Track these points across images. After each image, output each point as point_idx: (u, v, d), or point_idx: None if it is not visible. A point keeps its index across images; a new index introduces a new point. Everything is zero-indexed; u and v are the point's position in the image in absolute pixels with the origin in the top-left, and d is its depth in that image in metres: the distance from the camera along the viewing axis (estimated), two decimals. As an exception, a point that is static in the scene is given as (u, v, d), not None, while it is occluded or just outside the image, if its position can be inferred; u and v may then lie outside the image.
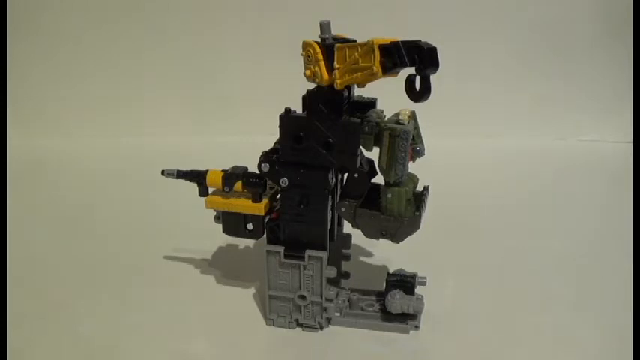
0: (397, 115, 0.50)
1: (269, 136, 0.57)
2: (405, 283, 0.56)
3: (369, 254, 0.70)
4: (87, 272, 0.68)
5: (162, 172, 0.60)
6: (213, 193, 0.58)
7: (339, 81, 0.47)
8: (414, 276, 0.57)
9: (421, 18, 1.11)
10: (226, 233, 0.58)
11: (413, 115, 0.50)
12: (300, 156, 0.51)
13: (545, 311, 0.60)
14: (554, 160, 1.08)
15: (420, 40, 0.43)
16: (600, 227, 0.80)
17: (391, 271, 0.58)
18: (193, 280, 0.67)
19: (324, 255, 0.54)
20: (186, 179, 0.59)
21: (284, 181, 0.52)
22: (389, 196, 0.50)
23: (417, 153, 0.52)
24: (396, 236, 0.52)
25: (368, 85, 0.50)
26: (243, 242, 0.73)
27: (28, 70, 1.16)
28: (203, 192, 0.58)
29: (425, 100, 0.44)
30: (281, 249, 0.55)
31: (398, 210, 0.50)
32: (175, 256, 0.71)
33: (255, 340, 0.56)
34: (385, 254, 0.68)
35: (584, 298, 0.62)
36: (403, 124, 0.48)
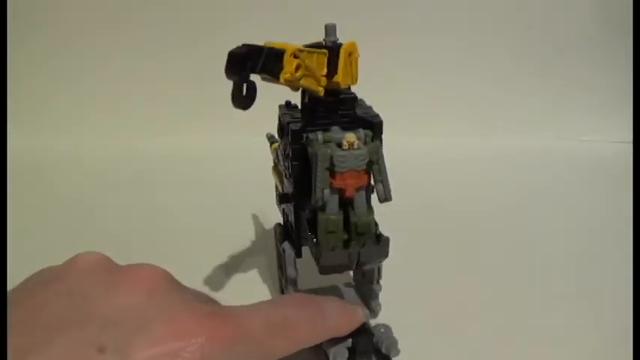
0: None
1: (270, 137, 0.57)
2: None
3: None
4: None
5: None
6: None
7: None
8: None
9: (421, 19, 1.12)
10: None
11: (365, 143, 0.45)
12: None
13: (545, 312, 0.60)
14: (554, 160, 1.08)
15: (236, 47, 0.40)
16: (600, 227, 0.80)
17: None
18: (195, 280, 0.67)
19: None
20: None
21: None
22: (318, 219, 0.46)
23: (376, 192, 0.46)
24: (318, 263, 0.47)
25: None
26: (247, 243, 0.74)
27: (29, 71, 1.16)
28: None
29: (238, 107, 0.41)
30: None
31: (319, 236, 0.46)
32: (177, 256, 0.71)
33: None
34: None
35: (584, 299, 0.62)
36: (341, 148, 0.44)
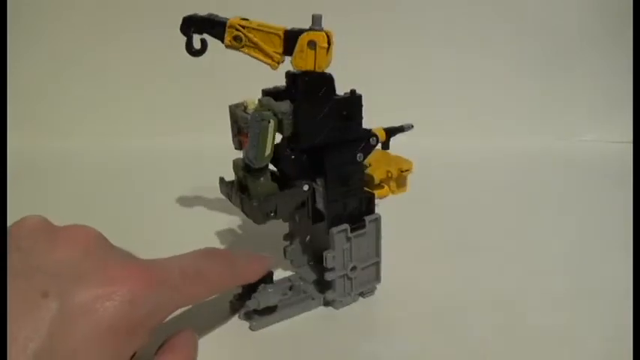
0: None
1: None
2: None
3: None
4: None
5: None
6: None
7: None
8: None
9: (422, 19, 1.12)
10: None
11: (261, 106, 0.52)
12: None
13: (545, 311, 0.60)
14: (554, 160, 1.08)
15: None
16: (600, 227, 0.80)
17: None
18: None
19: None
20: None
21: None
22: None
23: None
24: None
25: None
26: (247, 241, 0.73)
27: (29, 72, 1.16)
28: None
29: (189, 54, 0.53)
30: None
31: None
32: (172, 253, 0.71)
33: (245, 342, 0.56)
34: (386, 251, 0.68)
35: (584, 298, 0.62)
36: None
